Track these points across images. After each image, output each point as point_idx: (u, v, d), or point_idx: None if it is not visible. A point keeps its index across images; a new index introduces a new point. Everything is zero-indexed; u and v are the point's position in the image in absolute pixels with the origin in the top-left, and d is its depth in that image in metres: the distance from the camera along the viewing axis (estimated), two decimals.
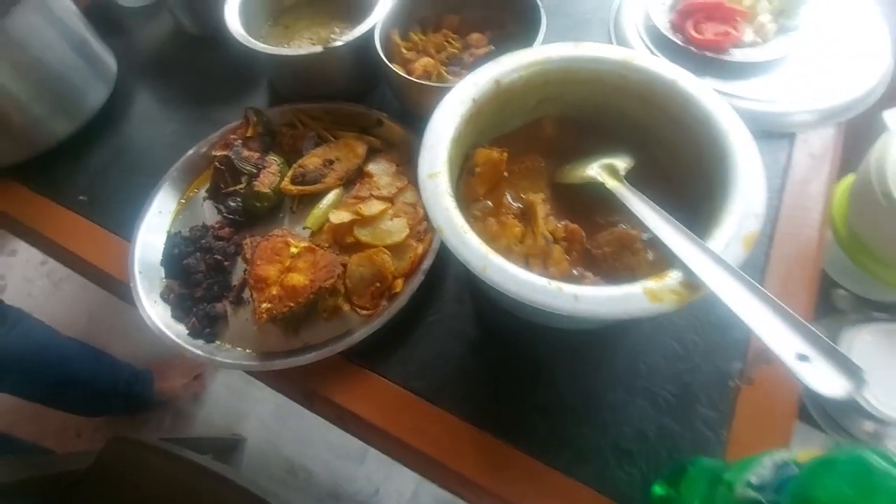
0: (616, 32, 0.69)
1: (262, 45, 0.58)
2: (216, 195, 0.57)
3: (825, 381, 0.27)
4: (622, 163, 0.47)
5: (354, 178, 0.57)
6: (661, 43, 0.64)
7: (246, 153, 0.57)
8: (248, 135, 0.59)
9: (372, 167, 0.57)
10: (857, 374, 0.26)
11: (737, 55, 0.60)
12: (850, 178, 0.77)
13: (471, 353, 0.47)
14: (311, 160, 0.56)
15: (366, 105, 0.62)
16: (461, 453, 0.43)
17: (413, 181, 0.56)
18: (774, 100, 0.58)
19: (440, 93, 0.52)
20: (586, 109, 0.52)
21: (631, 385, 0.45)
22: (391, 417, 0.45)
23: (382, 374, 0.47)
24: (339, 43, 0.53)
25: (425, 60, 0.59)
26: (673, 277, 0.36)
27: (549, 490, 0.41)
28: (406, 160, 0.58)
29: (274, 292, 0.46)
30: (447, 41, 0.61)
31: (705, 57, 0.61)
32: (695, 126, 0.44)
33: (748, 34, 0.61)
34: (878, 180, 0.67)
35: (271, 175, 0.55)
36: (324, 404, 0.47)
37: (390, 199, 0.54)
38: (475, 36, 0.61)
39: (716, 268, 0.35)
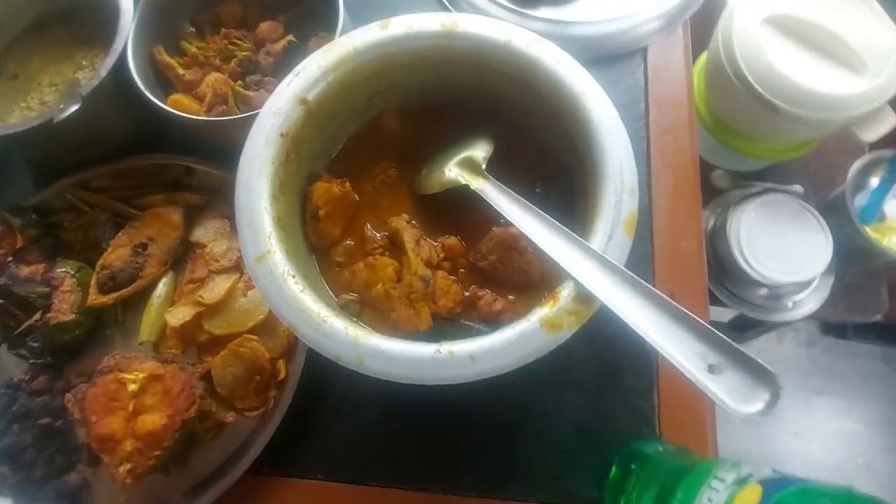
0: None
1: None
2: (9, 339, 0.43)
3: (739, 394, 0.24)
4: (481, 151, 0.41)
5: (182, 255, 0.46)
6: None
7: (26, 271, 0.43)
8: (20, 245, 0.45)
9: (199, 234, 0.46)
10: (772, 380, 0.24)
11: None
12: (702, 59, 0.77)
13: (390, 414, 0.42)
14: (117, 253, 0.44)
15: (166, 151, 0.49)
16: None
17: None
18: (617, 16, 0.53)
19: (245, 123, 0.41)
20: (424, 91, 0.44)
21: (555, 382, 0.42)
22: None
23: (302, 475, 0.41)
24: (71, 109, 0.38)
25: (213, 78, 0.46)
26: (566, 295, 0.31)
27: None
28: None
29: (129, 448, 0.37)
30: (231, 43, 0.48)
31: None
32: (543, 90, 0.38)
33: None
34: (728, 61, 0.66)
35: (67, 294, 0.42)
36: None
37: (236, 269, 0.44)
38: (265, 26, 0.49)
39: (604, 274, 0.30)
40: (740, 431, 1.27)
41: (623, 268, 0.30)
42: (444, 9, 0.58)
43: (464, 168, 0.40)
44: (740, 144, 0.75)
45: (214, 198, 0.48)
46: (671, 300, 0.28)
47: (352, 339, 0.31)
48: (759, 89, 0.64)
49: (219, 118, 0.42)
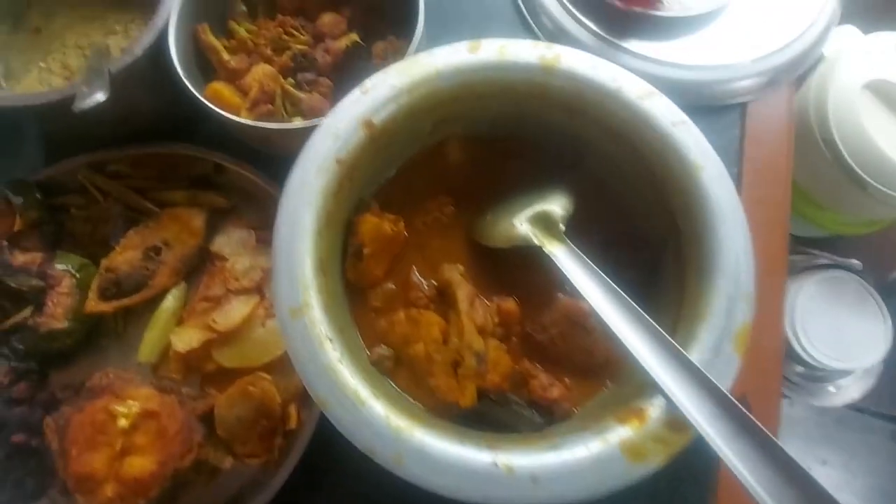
0: None
1: None
2: None
3: None
4: (559, 208, 0.35)
5: (198, 265, 0.41)
6: None
7: (20, 259, 0.38)
8: (18, 228, 0.39)
9: (220, 243, 0.41)
10: None
11: (669, 6, 0.47)
12: None
13: (407, 490, 0.37)
14: (126, 255, 0.38)
15: (195, 140, 0.43)
16: None
17: None
18: (716, 63, 0.47)
19: (290, 134, 0.36)
20: (499, 123, 0.38)
21: None
22: None
23: None
24: (96, 98, 0.31)
25: (261, 71, 0.40)
26: (655, 417, 0.26)
27: None
28: (268, 219, 0.42)
29: (109, 493, 0.32)
30: (287, 32, 0.42)
31: (630, 13, 0.47)
32: (648, 153, 0.32)
33: None
34: (818, 124, 0.60)
35: (64, 296, 0.37)
36: None
37: (256, 290, 0.39)
38: (327, 19, 0.43)
39: (705, 400, 0.25)
40: None
41: (732, 397, 0.25)
42: (526, 25, 0.51)
43: (537, 225, 0.35)
44: (809, 211, 0.69)
45: (242, 203, 0.43)
46: (794, 460, 0.23)
47: (392, 432, 0.26)
48: (850, 161, 0.58)
49: (261, 124, 0.36)
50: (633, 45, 0.48)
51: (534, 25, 0.52)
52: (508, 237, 0.35)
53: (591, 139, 0.36)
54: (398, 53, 0.41)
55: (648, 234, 0.36)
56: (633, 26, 0.48)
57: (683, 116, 0.31)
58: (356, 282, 0.36)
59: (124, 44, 0.43)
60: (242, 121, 0.36)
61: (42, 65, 0.43)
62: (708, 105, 0.48)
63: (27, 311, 0.37)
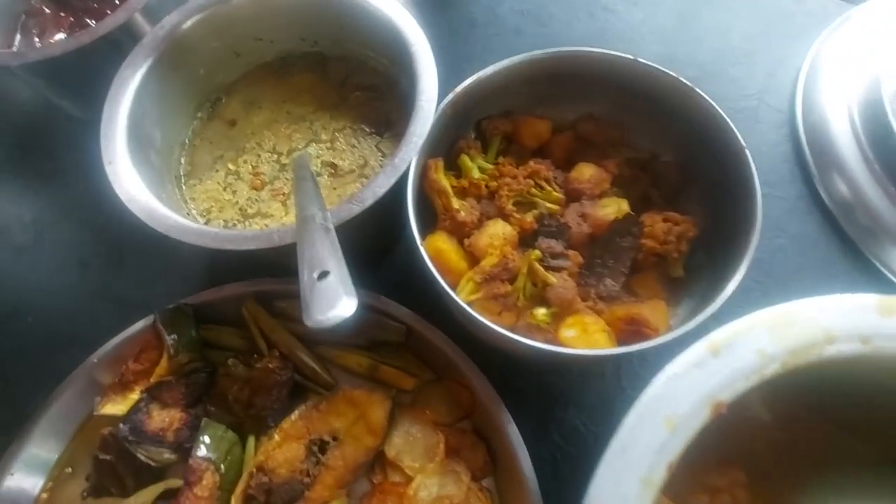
0: (808, 137, 0.41)
1: (176, 224, 0.29)
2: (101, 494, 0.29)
3: None
4: None
5: (367, 470, 0.30)
6: None
7: (157, 419, 0.30)
8: (163, 374, 0.31)
9: (399, 447, 0.30)
10: None
11: None
12: None
13: None
14: (285, 451, 0.29)
15: (385, 282, 0.34)
16: None
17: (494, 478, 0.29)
18: None
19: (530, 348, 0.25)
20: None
21: None
22: None
23: None
24: (336, 314, 0.20)
25: (500, 233, 0.30)
26: None
27: None
28: (460, 412, 0.31)
29: None
30: (538, 183, 0.32)
31: None
32: None
33: None
34: None
35: (203, 501, 0.27)
36: None
37: None
38: (587, 172, 0.32)
39: None
40: None
41: None
42: (811, 189, 0.39)
43: None
44: None
45: (429, 383, 0.32)
46: None
47: None
48: None
49: (502, 330, 0.25)
50: None
51: (821, 191, 0.39)
52: None
53: None
54: (682, 239, 0.30)
55: None
56: None
57: None
58: None
59: (326, 156, 0.36)
60: (480, 319, 0.26)
61: (231, 166, 0.36)
62: None
63: (145, 496, 0.28)
